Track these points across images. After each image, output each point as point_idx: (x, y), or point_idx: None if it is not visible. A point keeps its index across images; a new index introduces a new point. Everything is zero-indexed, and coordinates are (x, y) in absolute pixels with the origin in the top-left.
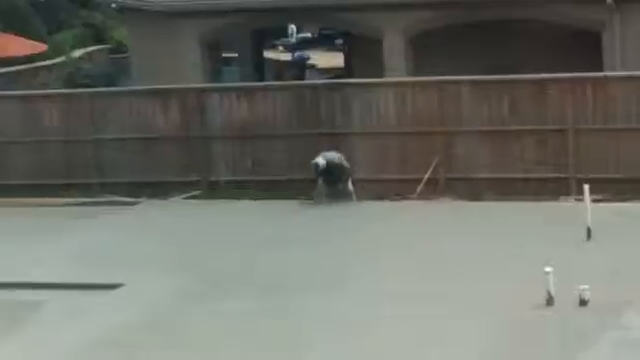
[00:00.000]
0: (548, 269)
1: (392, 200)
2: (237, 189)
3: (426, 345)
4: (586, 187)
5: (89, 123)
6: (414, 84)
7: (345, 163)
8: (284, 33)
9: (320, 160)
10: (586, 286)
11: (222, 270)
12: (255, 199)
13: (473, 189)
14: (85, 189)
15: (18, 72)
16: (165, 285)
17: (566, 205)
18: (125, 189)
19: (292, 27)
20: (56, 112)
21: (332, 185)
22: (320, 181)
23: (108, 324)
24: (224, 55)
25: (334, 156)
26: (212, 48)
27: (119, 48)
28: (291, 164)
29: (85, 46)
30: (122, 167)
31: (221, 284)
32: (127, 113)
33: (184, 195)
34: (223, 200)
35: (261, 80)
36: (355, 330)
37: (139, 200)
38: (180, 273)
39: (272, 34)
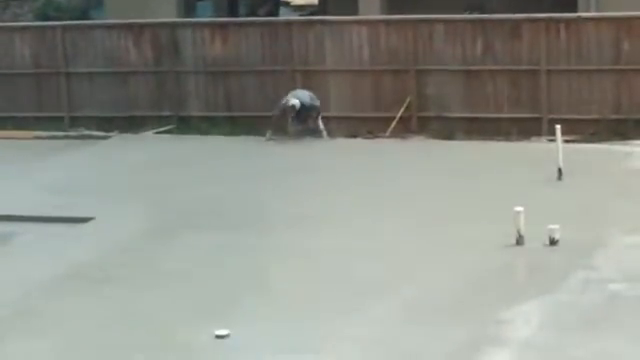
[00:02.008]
0: (518, 209)
1: (364, 138)
2: (209, 125)
3: (396, 281)
4: (558, 127)
5: (61, 56)
6: (388, 22)
7: (315, 102)
8: None
9: (295, 101)
10: (556, 226)
11: (192, 205)
12: (227, 135)
13: (446, 128)
14: (56, 122)
15: None
16: (135, 219)
17: (538, 145)
18: (96, 123)
19: None
20: (27, 45)
21: (302, 123)
22: (290, 120)
23: (78, 257)
24: None
25: (305, 95)
26: None
27: None
28: (264, 100)
29: None
30: (93, 101)
31: (191, 219)
32: (99, 47)
33: (156, 130)
34: (195, 135)
35: (234, 16)
36: (323, 265)
37: (110, 134)
38: (150, 207)
39: None
